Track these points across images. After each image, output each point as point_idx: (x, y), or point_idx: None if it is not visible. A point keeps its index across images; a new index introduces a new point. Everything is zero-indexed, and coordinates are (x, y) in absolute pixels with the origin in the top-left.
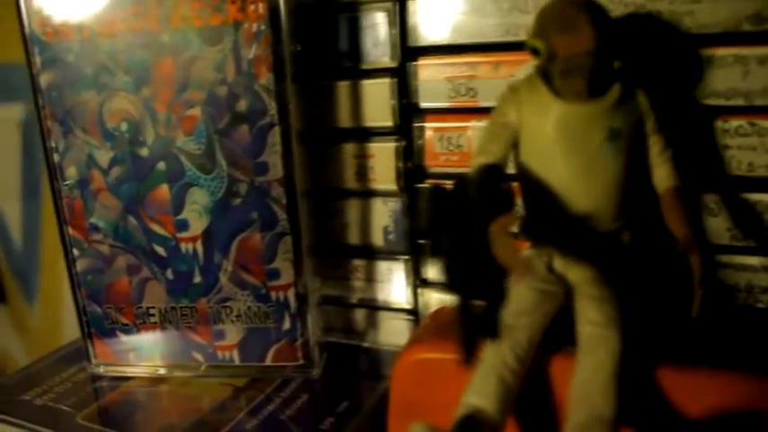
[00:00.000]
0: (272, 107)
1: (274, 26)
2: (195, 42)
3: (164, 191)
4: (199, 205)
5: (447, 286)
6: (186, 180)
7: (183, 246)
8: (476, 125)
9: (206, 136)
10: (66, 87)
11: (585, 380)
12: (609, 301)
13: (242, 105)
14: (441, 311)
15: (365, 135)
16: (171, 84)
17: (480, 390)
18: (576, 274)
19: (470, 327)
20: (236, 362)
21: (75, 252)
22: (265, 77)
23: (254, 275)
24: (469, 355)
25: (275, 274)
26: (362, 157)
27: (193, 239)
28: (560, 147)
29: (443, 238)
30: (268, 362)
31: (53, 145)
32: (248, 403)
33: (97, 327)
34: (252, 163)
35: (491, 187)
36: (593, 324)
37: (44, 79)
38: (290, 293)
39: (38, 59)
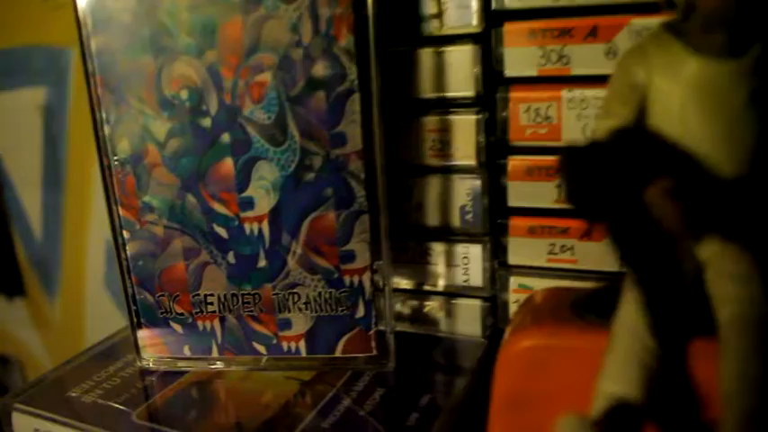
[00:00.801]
0: (352, 72)
1: None
2: (268, 0)
3: (227, 166)
4: (266, 181)
5: (619, 259)
6: (253, 153)
7: (247, 226)
8: (567, 95)
9: (277, 104)
10: (119, 51)
11: (739, 366)
12: (750, 278)
13: (318, 70)
14: (535, 297)
15: (443, 106)
16: (239, 46)
17: (620, 376)
18: (709, 249)
19: (660, 305)
20: (303, 354)
21: (126, 235)
22: (345, 39)
23: (327, 258)
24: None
25: (350, 257)
26: (440, 131)
27: (259, 219)
28: (696, 108)
29: (605, 210)
30: (338, 353)
31: (103, 116)
32: (319, 399)
33: (148, 317)
34: (328, 134)
35: (636, 150)
36: (734, 302)
37: (95, 42)
38: (366, 278)
39: (89, 20)
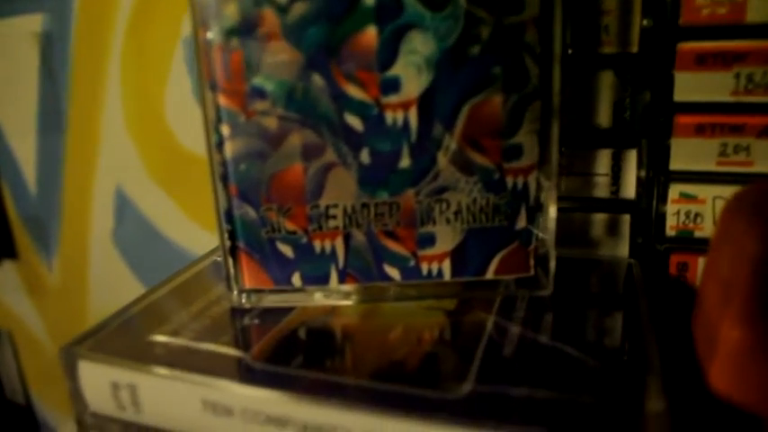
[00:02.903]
0: None
1: None
2: None
3: (369, 36)
4: (419, 56)
5: None
6: (405, 20)
7: (389, 115)
8: None
9: None
10: None
11: None
12: None
13: None
14: (756, 190)
15: None
16: None
17: None
18: None
19: None
20: (446, 277)
21: (226, 130)
22: None
23: (487, 154)
24: None
25: (516, 153)
26: (594, 14)
27: (405, 106)
28: None
29: None
30: (489, 275)
31: None
32: (480, 329)
33: (248, 238)
34: None
35: None
36: None
37: None
38: (531, 179)
39: None
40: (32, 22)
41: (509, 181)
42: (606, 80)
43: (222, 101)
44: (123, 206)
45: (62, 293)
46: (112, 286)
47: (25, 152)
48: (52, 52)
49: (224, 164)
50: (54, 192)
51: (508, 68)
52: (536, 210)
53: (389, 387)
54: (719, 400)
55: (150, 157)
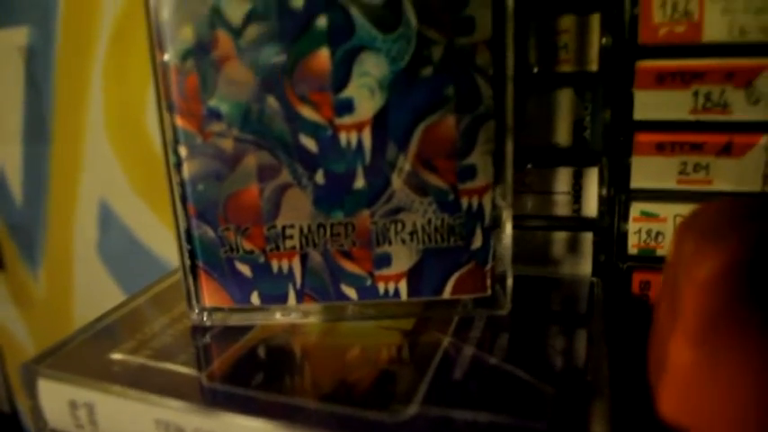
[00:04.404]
0: None
1: None
2: None
3: (322, 58)
4: (371, 78)
5: None
6: (356, 42)
7: (343, 136)
8: None
9: None
10: None
11: None
12: None
13: None
14: (703, 212)
15: (558, 2)
16: None
17: None
18: None
19: None
20: (403, 297)
21: (183, 151)
22: None
23: (442, 175)
24: None
25: (470, 173)
26: (553, 33)
27: (359, 127)
28: None
29: None
30: (446, 295)
31: None
32: (434, 350)
33: (207, 257)
34: (452, 16)
35: None
36: None
37: None
38: (486, 199)
39: None
40: (18, 36)
41: (464, 201)
42: (565, 98)
43: (179, 122)
44: (107, 217)
45: (48, 304)
46: (97, 297)
47: (11, 162)
48: (37, 64)
49: (182, 184)
50: (39, 202)
51: (461, 89)
52: (492, 229)
53: (339, 409)
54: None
55: (133, 170)
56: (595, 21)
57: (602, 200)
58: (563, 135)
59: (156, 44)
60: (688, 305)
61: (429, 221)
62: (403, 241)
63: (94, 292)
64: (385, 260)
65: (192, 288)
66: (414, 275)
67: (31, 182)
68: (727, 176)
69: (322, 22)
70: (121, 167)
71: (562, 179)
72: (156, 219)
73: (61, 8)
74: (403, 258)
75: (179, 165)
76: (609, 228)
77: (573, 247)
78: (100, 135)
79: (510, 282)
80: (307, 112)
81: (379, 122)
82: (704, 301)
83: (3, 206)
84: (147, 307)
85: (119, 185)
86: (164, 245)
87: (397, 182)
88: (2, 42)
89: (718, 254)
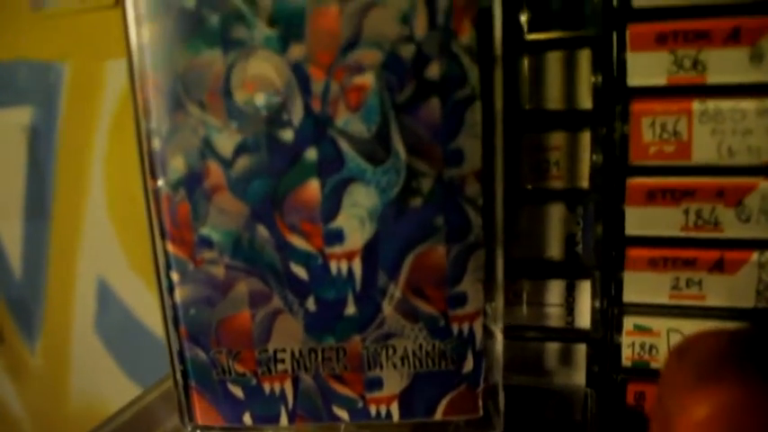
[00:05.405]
0: (474, 75)
1: None
2: None
3: (312, 189)
4: (361, 208)
5: None
6: (346, 174)
7: (333, 265)
8: (700, 108)
9: (379, 113)
10: (178, 43)
11: None
12: None
13: (433, 71)
14: (692, 345)
15: (551, 120)
16: (334, 40)
17: None
18: None
19: None
20: (395, 418)
21: (175, 277)
22: (467, 35)
23: (432, 303)
24: None
25: (460, 300)
26: (546, 149)
27: (349, 256)
28: None
29: None
30: (438, 416)
31: (153, 126)
32: None
33: (199, 378)
34: (442, 149)
35: None
36: None
37: (147, 31)
38: (477, 325)
39: (141, 3)
40: (21, 115)
41: (455, 327)
42: (557, 213)
43: (171, 248)
44: (105, 294)
45: (43, 377)
46: (94, 373)
47: (11, 237)
48: (39, 143)
49: (175, 308)
50: (38, 276)
51: (450, 220)
52: (483, 353)
53: None
54: None
55: (132, 248)
56: (586, 138)
57: (595, 312)
58: (555, 249)
59: (148, 172)
60: None
61: (420, 346)
62: (394, 366)
63: (91, 368)
64: (376, 384)
65: (185, 406)
66: (405, 398)
67: (31, 256)
68: (721, 292)
69: (312, 154)
70: (120, 244)
71: (555, 291)
72: (153, 297)
73: (65, 90)
74: (394, 382)
75: (171, 289)
76: (602, 340)
77: (567, 358)
78: (100, 213)
79: (502, 404)
80: (297, 242)
81: (370, 251)
82: None
83: (2, 278)
84: (136, 422)
85: (117, 263)
86: (160, 323)
87: (387, 308)
88: (5, 121)
89: (715, 395)
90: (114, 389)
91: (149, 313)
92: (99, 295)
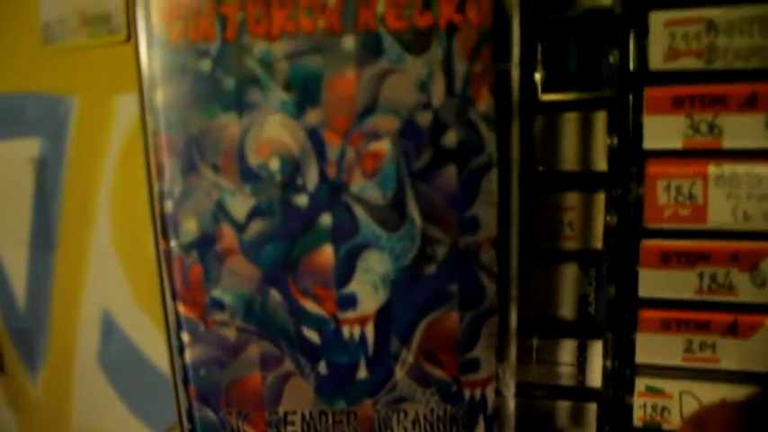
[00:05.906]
0: (491, 143)
1: (501, 33)
2: (391, 50)
3: (326, 254)
4: (375, 274)
5: None
6: (360, 240)
7: (345, 329)
8: (715, 171)
9: (395, 180)
10: (193, 106)
11: None
12: None
13: (450, 139)
14: (708, 416)
15: (564, 181)
16: (350, 106)
17: None
18: None
19: None
20: None
21: (186, 338)
22: (485, 102)
23: (444, 368)
24: None
25: (473, 366)
26: (559, 209)
27: (362, 321)
28: None
29: None
30: None
31: (166, 187)
32: None
33: None
34: (457, 217)
35: None
36: None
37: (162, 94)
38: (490, 390)
39: (156, 66)
40: (30, 147)
41: (467, 392)
42: (570, 274)
43: (182, 309)
44: (109, 327)
45: (45, 408)
46: (96, 406)
47: (16, 267)
48: (46, 175)
49: (185, 368)
50: (42, 308)
51: (464, 287)
52: (494, 418)
53: None
54: None
55: (137, 283)
56: (600, 199)
57: (606, 372)
58: (568, 309)
59: (160, 233)
60: None
61: (431, 411)
62: (405, 430)
63: (93, 400)
64: None
65: None
66: None
67: (36, 287)
68: (734, 356)
69: (326, 220)
70: (126, 278)
71: (567, 351)
72: (157, 331)
73: (73, 123)
74: None
75: (181, 349)
76: (613, 400)
77: (577, 417)
78: (105, 245)
79: None
80: (309, 306)
81: (383, 317)
82: None
83: (5, 308)
84: None
85: (122, 296)
86: (164, 357)
87: (399, 373)
88: (14, 152)
89: None
90: (116, 422)
91: (153, 346)
92: (103, 327)
